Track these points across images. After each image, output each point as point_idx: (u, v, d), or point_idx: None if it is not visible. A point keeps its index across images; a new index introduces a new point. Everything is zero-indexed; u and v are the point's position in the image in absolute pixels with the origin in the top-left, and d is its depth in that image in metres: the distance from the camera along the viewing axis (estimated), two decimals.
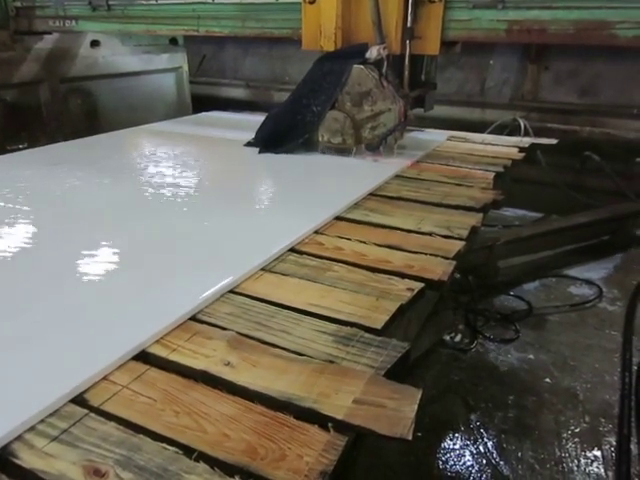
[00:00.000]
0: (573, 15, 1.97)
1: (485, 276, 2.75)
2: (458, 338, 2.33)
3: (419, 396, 0.82)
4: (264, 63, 5.61)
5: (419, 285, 1.19)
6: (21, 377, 0.85)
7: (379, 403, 0.80)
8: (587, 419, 1.87)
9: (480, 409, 1.93)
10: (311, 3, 2.31)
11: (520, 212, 3.98)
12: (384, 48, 2.16)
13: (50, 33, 3.46)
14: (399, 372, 0.93)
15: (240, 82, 5.69)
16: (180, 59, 4.70)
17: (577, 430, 1.83)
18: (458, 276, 2.57)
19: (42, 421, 0.76)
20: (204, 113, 3.40)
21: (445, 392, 2.01)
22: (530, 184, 3.84)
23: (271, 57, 5.51)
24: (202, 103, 5.03)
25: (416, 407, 0.79)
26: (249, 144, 2.43)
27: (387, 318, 1.04)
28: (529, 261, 3.04)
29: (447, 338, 2.32)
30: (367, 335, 0.99)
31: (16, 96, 3.55)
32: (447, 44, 2.23)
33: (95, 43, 3.92)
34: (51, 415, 0.78)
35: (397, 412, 0.79)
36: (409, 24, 2.16)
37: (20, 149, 3.63)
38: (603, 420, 1.87)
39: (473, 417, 1.89)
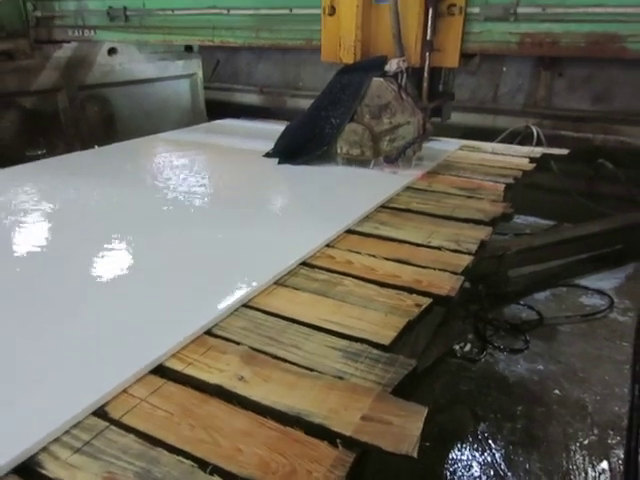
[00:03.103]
0: (585, 28, 1.98)
1: (495, 285, 2.76)
2: (467, 348, 2.35)
3: (425, 413, 0.85)
4: (277, 68, 5.66)
5: (427, 301, 1.22)
6: (46, 390, 0.89)
7: (386, 420, 0.84)
8: (596, 431, 1.88)
9: (489, 419, 1.95)
10: (331, 15, 2.34)
11: (531, 219, 3.97)
12: (403, 61, 2.18)
13: (69, 42, 3.54)
14: (407, 388, 0.96)
15: (253, 88, 5.74)
16: (195, 65, 4.77)
17: (585, 442, 1.84)
18: (468, 285, 2.59)
19: (66, 432, 0.81)
20: (218, 121, 3.45)
21: (454, 402, 2.03)
22: (542, 191, 3.83)
23: (284, 62, 5.56)
24: (216, 108, 5.09)
25: (422, 425, 0.82)
26: (268, 155, 2.47)
27: (395, 335, 1.07)
28: (540, 270, 3.04)
29: (456, 347, 2.33)
30: (375, 351, 1.02)
31: (35, 103, 3.64)
32: (466, 56, 2.25)
33: (112, 51, 4.00)
34: (74, 427, 0.82)
35: (403, 429, 0.82)
36: (429, 37, 2.19)
37: (38, 155, 3.73)
38: (612, 432, 1.88)
39: (481, 427, 1.91)
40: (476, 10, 2.11)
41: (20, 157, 3.55)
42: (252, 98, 5.76)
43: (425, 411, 0.85)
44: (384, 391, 0.91)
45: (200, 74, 4.87)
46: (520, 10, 2.03)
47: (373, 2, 2.27)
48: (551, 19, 2.01)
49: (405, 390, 0.95)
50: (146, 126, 4.18)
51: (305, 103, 5.26)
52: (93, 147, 3.59)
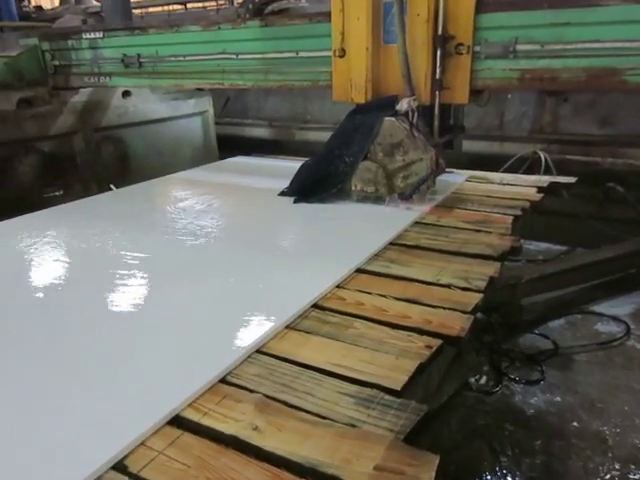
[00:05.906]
0: (583, 63, 2.02)
1: (509, 314, 2.75)
2: (483, 380, 2.33)
3: (436, 462, 0.86)
4: (286, 102, 5.80)
5: (437, 342, 1.23)
6: (66, 445, 0.92)
7: (399, 470, 0.85)
8: (617, 466, 1.85)
9: (506, 455, 1.92)
10: (341, 57, 2.41)
11: (544, 245, 3.96)
12: (414, 100, 2.23)
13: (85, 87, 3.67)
14: (419, 429, 0.97)
15: (263, 122, 5.88)
16: (206, 103, 4.90)
17: (607, 477, 1.81)
18: (481, 315, 2.58)
19: None
20: (231, 159, 3.52)
21: (471, 437, 2.01)
22: (553, 216, 3.83)
23: (292, 97, 5.69)
24: (227, 142, 5.21)
25: (433, 474, 0.83)
26: (283, 193, 2.52)
27: (406, 379, 1.09)
28: (554, 297, 3.03)
29: (472, 380, 2.32)
30: (387, 397, 1.03)
31: (53, 147, 3.77)
32: (474, 92, 2.30)
33: (127, 93, 4.13)
34: None
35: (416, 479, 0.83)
36: (438, 76, 2.23)
37: (56, 196, 3.84)
38: (633, 467, 1.84)
39: (499, 464, 1.88)
40: (477, 48, 2.16)
41: (38, 199, 3.67)
42: (262, 132, 5.89)
43: (437, 460, 0.86)
44: (396, 439, 0.92)
45: (211, 111, 5.00)
46: (519, 47, 2.08)
47: (382, 44, 2.34)
48: (550, 55, 2.06)
49: (417, 432, 0.96)
50: (159, 164, 4.29)
51: (313, 135, 5.39)
52: (109, 186, 3.69)
